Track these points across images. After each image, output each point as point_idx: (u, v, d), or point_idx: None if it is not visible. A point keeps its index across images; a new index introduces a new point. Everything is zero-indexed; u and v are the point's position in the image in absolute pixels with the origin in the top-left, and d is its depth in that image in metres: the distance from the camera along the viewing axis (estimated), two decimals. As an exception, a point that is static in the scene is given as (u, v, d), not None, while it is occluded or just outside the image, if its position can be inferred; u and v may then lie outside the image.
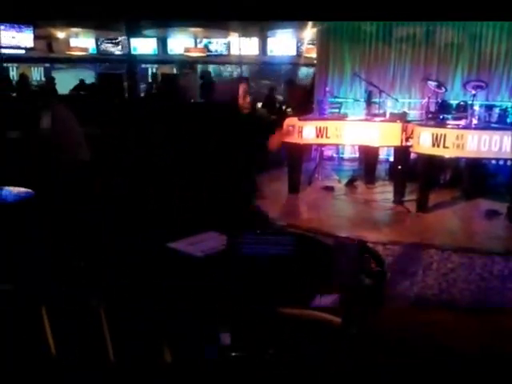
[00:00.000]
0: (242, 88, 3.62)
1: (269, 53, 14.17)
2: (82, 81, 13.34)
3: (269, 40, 13.95)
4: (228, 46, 14.47)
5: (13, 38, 12.38)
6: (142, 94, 13.73)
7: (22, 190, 4.22)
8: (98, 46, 15.32)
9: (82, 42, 15.10)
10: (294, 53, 13.79)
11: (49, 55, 15.33)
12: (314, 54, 10.34)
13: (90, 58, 15.44)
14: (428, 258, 4.17)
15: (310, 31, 9.96)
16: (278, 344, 2.36)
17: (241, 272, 2.29)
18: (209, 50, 14.62)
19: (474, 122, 5.47)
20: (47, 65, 16.44)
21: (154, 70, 16.22)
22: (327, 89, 7.88)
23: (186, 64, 14.95)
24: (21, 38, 12.56)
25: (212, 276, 2.29)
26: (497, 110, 6.29)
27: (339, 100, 7.83)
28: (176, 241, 2.59)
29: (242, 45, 13.86)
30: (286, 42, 13.75)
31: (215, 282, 2.22)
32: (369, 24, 8.12)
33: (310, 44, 12.03)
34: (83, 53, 14.98)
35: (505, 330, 3.78)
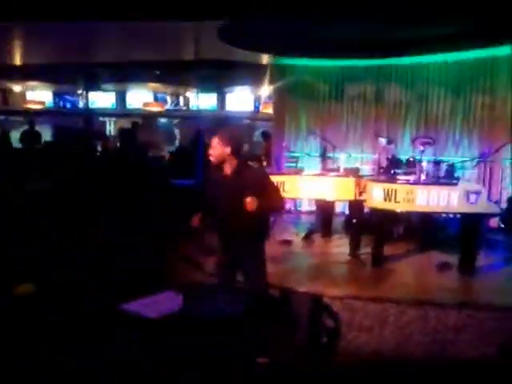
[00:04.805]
0: None
1: (227, 108, 14.48)
2: (31, 126, 12.07)
3: (227, 96, 14.32)
4: (187, 101, 14.73)
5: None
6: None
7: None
8: (55, 99, 15.19)
9: (39, 95, 14.99)
10: (252, 108, 14.17)
11: (4, 108, 15.09)
12: (270, 110, 10.64)
13: (47, 111, 15.27)
14: (384, 312, 4.21)
15: (267, 88, 10.29)
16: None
17: (193, 335, 2.26)
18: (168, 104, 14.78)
19: (423, 177, 5.68)
20: (2, 117, 16.15)
21: (112, 125, 16.17)
22: (284, 144, 8.08)
23: (146, 118, 14.99)
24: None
25: (165, 339, 2.24)
26: (444, 166, 6.56)
27: (296, 155, 8.03)
28: (129, 301, 2.54)
29: (200, 100, 14.15)
30: (244, 98, 14.15)
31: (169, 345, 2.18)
32: (322, 83, 8.50)
33: (266, 100, 12.39)
34: (40, 106, 14.82)
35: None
